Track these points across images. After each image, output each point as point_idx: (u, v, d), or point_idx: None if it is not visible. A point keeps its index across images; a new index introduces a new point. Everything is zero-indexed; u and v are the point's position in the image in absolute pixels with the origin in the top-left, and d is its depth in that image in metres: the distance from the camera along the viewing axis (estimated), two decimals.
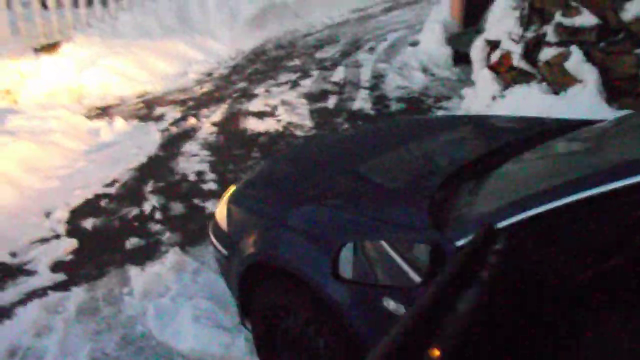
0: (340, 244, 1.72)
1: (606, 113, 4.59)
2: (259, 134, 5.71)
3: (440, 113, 6.02)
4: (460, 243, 1.68)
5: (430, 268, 1.54)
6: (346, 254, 1.71)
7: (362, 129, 3.60)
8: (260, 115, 6.18)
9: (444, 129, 2.91)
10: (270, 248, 2.30)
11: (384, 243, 1.76)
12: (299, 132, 5.71)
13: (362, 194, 2.26)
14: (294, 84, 7.09)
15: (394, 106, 6.31)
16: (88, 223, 4.17)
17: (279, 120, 6.02)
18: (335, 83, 7.09)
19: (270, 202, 2.43)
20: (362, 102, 6.43)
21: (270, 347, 2.47)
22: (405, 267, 1.66)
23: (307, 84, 7.05)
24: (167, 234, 3.98)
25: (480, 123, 2.97)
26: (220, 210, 2.75)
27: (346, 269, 1.72)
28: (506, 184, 2.00)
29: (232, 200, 2.63)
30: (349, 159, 2.67)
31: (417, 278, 1.65)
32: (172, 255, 3.63)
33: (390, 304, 1.84)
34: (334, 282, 1.98)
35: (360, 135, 3.28)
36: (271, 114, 6.20)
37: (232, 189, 2.82)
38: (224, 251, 2.63)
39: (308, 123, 5.92)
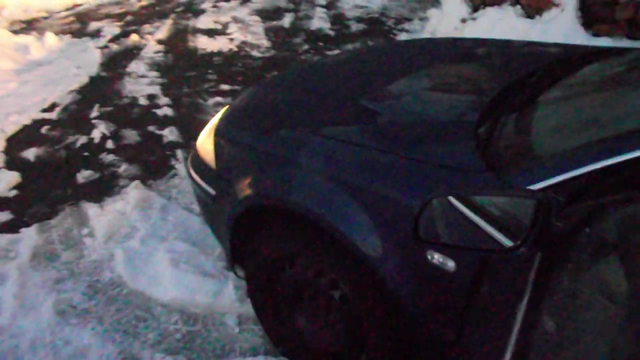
0: (423, 201, 1.41)
1: (583, 39, 4.43)
2: (212, 54, 5.23)
3: (403, 36, 5.70)
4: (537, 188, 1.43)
5: (530, 228, 1.28)
6: (426, 212, 1.42)
7: (358, 52, 3.17)
8: (211, 33, 5.67)
9: (455, 53, 2.61)
10: (278, 190, 1.98)
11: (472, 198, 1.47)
12: (255, 53, 5.27)
13: (383, 130, 1.95)
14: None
15: (354, 27, 5.93)
16: (29, 154, 3.69)
17: (232, 39, 5.53)
18: None
19: (273, 137, 2.08)
20: (320, 21, 6.01)
21: (268, 296, 2.20)
22: (491, 229, 1.39)
23: (259, 0, 6.52)
24: (124, 166, 3.56)
25: (495, 46, 2.68)
26: (203, 142, 2.39)
27: (425, 230, 1.43)
28: (567, 119, 1.75)
29: (222, 132, 2.27)
30: (356, 87, 2.34)
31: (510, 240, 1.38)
32: (134, 191, 3.25)
33: (435, 258, 1.59)
34: (367, 235, 1.72)
35: (360, 58, 2.91)
36: (222, 32, 5.70)
37: (216, 118, 2.45)
38: (210, 190, 2.29)
39: (265, 43, 5.48)
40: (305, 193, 1.88)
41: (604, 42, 4.42)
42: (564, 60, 2.29)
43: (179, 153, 3.68)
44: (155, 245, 2.78)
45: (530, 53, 2.51)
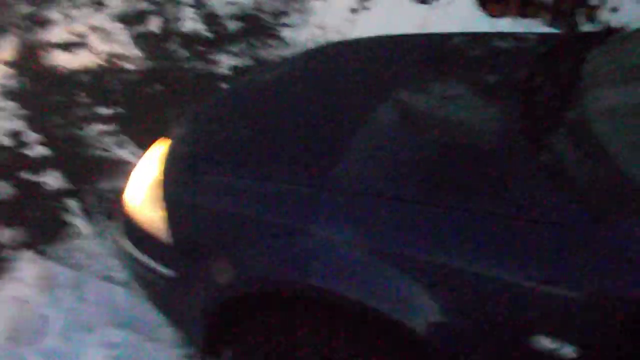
0: None
1: (485, 22, 4.30)
2: (77, 72, 4.44)
3: (287, 31, 5.26)
4: None
5: None
6: None
7: (320, 55, 2.52)
8: (68, 46, 4.82)
9: (451, 51, 2.19)
10: (287, 271, 1.48)
11: None
12: (129, 66, 4.55)
13: (422, 171, 1.48)
14: (99, 3, 5.69)
15: (232, 25, 5.37)
16: None
17: (95, 53, 4.75)
18: (151, 1, 5.84)
19: (264, 195, 1.56)
20: (192, 22, 5.36)
21: None
22: None
23: (115, 3, 5.70)
24: (5, 232, 2.80)
25: (485, 42, 2.26)
26: (144, 205, 1.81)
27: None
28: None
29: (179, 191, 1.71)
30: (357, 104, 1.83)
31: None
32: (28, 265, 2.54)
33: (543, 342, 1.22)
34: (433, 320, 1.30)
35: (332, 65, 2.36)
36: (82, 44, 4.87)
37: (153, 162, 1.87)
38: (163, 271, 1.74)
39: (136, 53, 4.75)
40: (331, 273, 1.41)
41: (504, 23, 4.33)
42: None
43: (72, 204, 2.99)
44: (81, 339, 2.15)
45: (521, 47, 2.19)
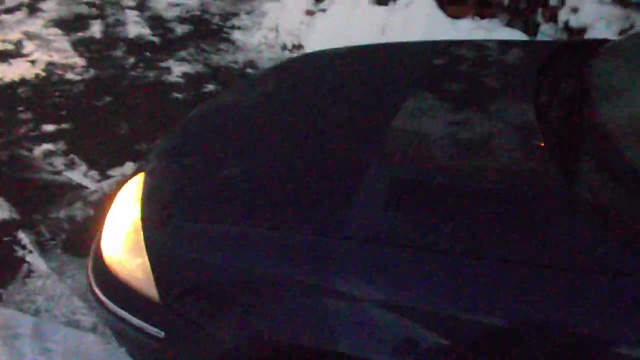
0: None
1: (446, 24, 4.22)
2: (14, 85, 4.10)
3: (237, 34, 5.05)
4: None
5: None
6: None
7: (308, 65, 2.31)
8: (2, 56, 4.46)
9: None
10: (306, 337, 1.29)
11: None
12: (71, 76, 4.24)
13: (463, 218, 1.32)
14: (32, 8, 5.30)
15: (179, 29, 5.12)
16: None
17: (33, 62, 4.41)
18: (89, 4, 5.49)
19: (272, 248, 1.37)
20: (136, 26, 5.08)
21: None
22: None
23: (51, 6, 5.34)
24: None
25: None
26: (123, 257, 1.60)
27: None
28: None
29: (164, 237, 1.51)
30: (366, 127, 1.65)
31: None
32: None
33: None
34: None
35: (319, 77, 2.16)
36: (17, 53, 4.53)
37: (128, 200, 1.66)
38: (151, 330, 1.53)
39: (78, 61, 4.45)
40: (362, 339, 1.25)
41: (463, 24, 4.26)
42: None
43: (22, 236, 2.71)
44: None
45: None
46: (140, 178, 1.74)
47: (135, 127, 3.63)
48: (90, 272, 1.71)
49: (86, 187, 3.07)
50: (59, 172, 3.19)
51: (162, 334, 1.51)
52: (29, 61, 4.41)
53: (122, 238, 1.61)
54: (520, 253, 1.20)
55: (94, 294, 1.67)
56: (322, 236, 1.32)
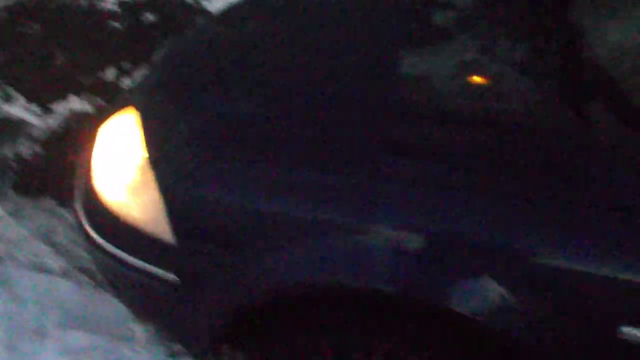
0: None
1: None
2: None
3: None
4: None
5: None
6: None
7: None
8: None
9: None
10: (353, 272, 1.28)
11: None
12: None
13: None
14: None
15: None
16: None
17: None
18: None
19: (305, 183, 1.30)
20: None
21: None
22: None
23: None
24: None
25: None
26: (129, 194, 1.51)
27: None
28: None
29: (183, 178, 1.42)
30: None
31: None
32: None
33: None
34: None
35: None
36: None
37: (137, 138, 1.54)
38: (162, 274, 1.47)
39: None
40: (402, 276, 1.25)
41: None
42: None
43: None
44: (32, 348, 1.82)
45: None
46: (133, 115, 1.62)
47: (72, 58, 3.36)
48: (82, 216, 1.61)
49: (29, 123, 2.84)
50: None
51: (176, 279, 1.46)
52: None
53: (126, 179, 1.51)
54: (545, 190, 1.24)
55: (90, 238, 1.58)
56: (360, 178, 1.30)
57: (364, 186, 1.29)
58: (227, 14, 2.18)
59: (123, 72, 3.28)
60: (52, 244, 2.23)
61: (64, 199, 2.42)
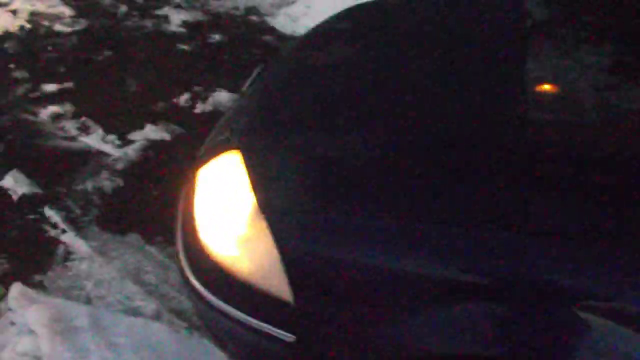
0: None
1: None
2: None
3: None
4: None
5: None
6: None
7: None
8: None
9: None
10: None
11: None
12: (60, 27, 3.87)
13: None
14: None
15: None
16: None
17: (14, 12, 3.98)
18: None
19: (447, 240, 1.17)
20: None
21: None
22: None
23: None
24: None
25: None
26: (240, 247, 1.40)
27: None
28: None
29: (303, 234, 1.30)
30: None
31: None
32: (20, 301, 2.04)
33: None
34: None
35: None
36: None
37: (245, 184, 1.43)
38: (279, 333, 1.35)
39: (66, 11, 4.05)
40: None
41: None
42: None
43: (51, 213, 2.45)
44: None
45: None
46: (237, 158, 1.52)
47: (145, 84, 3.33)
48: (187, 268, 1.51)
49: (108, 154, 2.80)
50: (73, 138, 2.90)
51: (292, 338, 1.34)
52: (10, 11, 3.98)
53: (235, 230, 1.41)
54: None
55: (196, 292, 1.48)
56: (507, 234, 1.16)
57: (511, 242, 1.15)
58: (316, 35, 2.06)
59: (196, 97, 3.22)
60: (142, 284, 2.16)
61: (149, 235, 2.37)
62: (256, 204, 1.38)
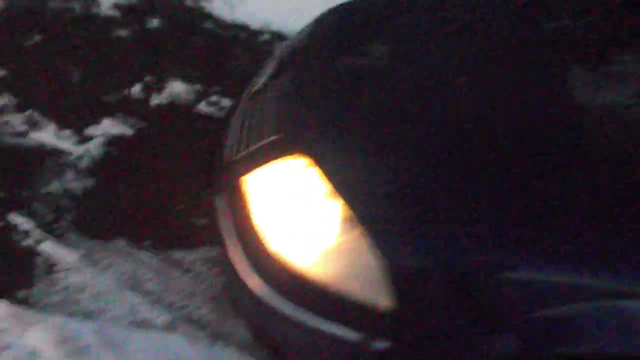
0: None
1: None
2: None
3: None
4: None
5: None
6: None
7: None
8: None
9: None
10: None
11: None
12: None
13: None
14: None
15: None
16: None
17: None
18: None
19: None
20: None
21: None
22: None
23: None
24: None
25: None
26: (332, 260, 1.36)
27: None
28: None
29: (408, 243, 1.29)
30: None
31: None
32: (21, 324, 1.84)
33: None
34: None
35: None
36: None
37: (330, 193, 1.39)
38: (370, 341, 1.35)
39: None
40: None
41: None
42: None
43: (20, 220, 2.22)
44: None
45: None
46: (303, 163, 1.47)
47: (88, 73, 3.08)
48: (258, 284, 1.44)
49: (67, 152, 2.57)
50: (23, 134, 2.63)
51: (385, 344, 1.34)
52: None
53: (321, 240, 1.37)
54: None
55: (272, 308, 1.42)
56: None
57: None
58: (330, 30, 2.00)
59: (149, 88, 3.03)
60: (143, 293, 2.03)
61: (136, 239, 2.22)
62: (347, 212, 1.35)
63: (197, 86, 3.05)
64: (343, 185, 1.38)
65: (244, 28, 3.72)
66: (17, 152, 2.53)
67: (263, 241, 1.44)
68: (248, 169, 1.58)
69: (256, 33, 3.67)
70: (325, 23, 2.07)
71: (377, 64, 1.74)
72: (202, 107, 2.93)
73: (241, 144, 1.69)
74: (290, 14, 3.92)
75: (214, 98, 3.00)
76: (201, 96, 3.00)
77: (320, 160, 1.44)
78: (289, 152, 1.51)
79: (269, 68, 1.95)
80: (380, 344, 1.34)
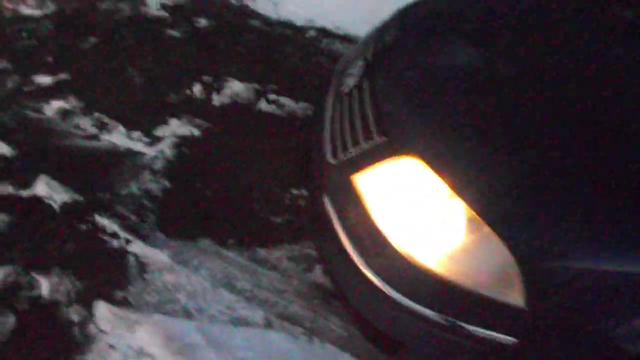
0: None
1: None
2: None
3: None
4: None
5: None
6: None
7: None
8: None
9: None
10: None
11: None
12: (28, 10, 3.48)
13: None
14: None
15: None
16: None
17: None
18: None
19: None
20: None
21: None
22: None
23: None
24: (43, 282, 2.02)
25: None
26: (465, 264, 1.38)
27: None
28: None
29: (551, 257, 1.30)
30: None
31: None
32: (124, 325, 1.88)
33: None
34: None
35: None
36: None
37: (453, 196, 1.41)
38: (500, 338, 1.38)
39: None
40: None
41: None
42: None
43: (104, 222, 2.25)
44: None
45: None
46: (414, 164, 1.48)
47: (147, 74, 3.11)
48: (381, 279, 1.47)
49: (141, 153, 2.60)
50: (94, 136, 2.66)
51: (512, 341, 1.37)
52: None
53: (447, 239, 1.39)
54: None
55: (404, 306, 1.45)
56: None
57: None
58: (424, 25, 1.99)
59: (208, 87, 3.06)
60: (237, 292, 2.06)
61: (220, 239, 2.25)
62: (469, 212, 1.37)
63: (255, 85, 3.08)
64: (460, 185, 1.39)
65: (289, 25, 3.74)
66: (92, 154, 2.56)
67: (383, 239, 1.46)
68: (358, 169, 1.59)
69: (302, 30, 3.69)
70: (411, 18, 2.06)
71: (474, 60, 1.74)
72: (263, 105, 2.95)
73: (346, 144, 1.70)
74: (332, 10, 3.95)
75: (272, 96, 3.02)
76: (260, 95, 3.02)
77: (431, 161, 1.45)
78: (397, 152, 1.52)
79: (357, 68, 1.96)
80: (508, 340, 1.37)
